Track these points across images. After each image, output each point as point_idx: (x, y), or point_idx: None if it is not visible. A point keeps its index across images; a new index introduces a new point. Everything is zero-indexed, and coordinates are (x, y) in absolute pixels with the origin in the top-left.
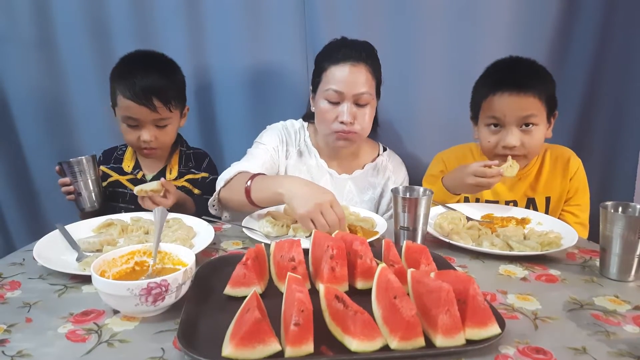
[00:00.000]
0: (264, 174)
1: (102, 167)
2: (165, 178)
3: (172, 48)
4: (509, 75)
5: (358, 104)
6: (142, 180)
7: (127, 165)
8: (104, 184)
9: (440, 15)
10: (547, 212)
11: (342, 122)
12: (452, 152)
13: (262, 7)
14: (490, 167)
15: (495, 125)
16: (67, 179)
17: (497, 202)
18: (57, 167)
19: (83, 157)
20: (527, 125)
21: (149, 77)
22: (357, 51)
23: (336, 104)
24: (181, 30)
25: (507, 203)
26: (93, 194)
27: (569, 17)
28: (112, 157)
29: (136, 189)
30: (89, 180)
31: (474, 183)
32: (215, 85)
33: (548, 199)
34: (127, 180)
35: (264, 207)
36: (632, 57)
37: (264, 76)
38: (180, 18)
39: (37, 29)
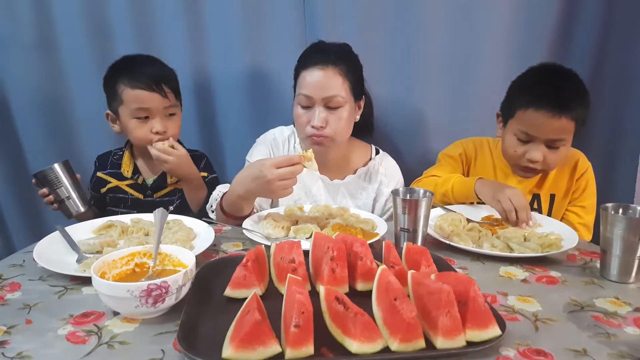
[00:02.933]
0: (225, 191)
1: (99, 174)
2: (166, 182)
3: (172, 49)
4: (554, 92)
5: (329, 107)
6: (143, 185)
7: (126, 170)
8: (103, 190)
9: (440, 17)
10: (550, 209)
11: (313, 127)
12: (470, 140)
13: (262, 9)
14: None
15: (523, 140)
16: (45, 190)
17: None
18: (33, 180)
19: (55, 164)
20: (555, 146)
21: (154, 66)
22: (326, 54)
23: (308, 108)
24: (181, 32)
25: None
26: (74, 198)
27: (569, 18)
28: (107, 162)
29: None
30: (68, 186)
31: (500, 209)
32: (215, 87)
33: (553, 196)
34: (128, 185)
35: (255, 212)
36: (632, 57)
37: (264, 77)
38: (181, 20)
39: (37, 30)
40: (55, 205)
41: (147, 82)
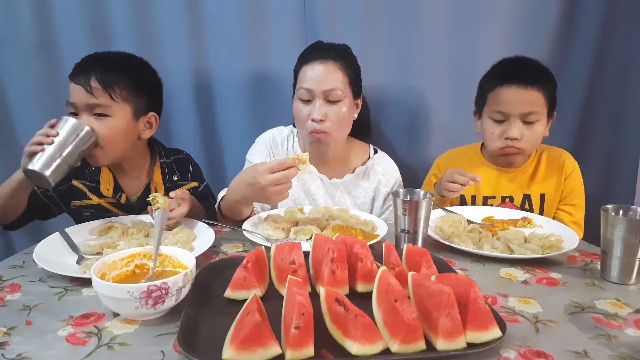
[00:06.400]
0: (223, 195)
1: (75, 182)
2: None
3: (172, 51)
4: (517, 69)
5: (329, 100)
6: (127, 205)
7: (106, 187)
8: (77, 203)
9: (440, 18)
10: (542, 209)
11: (313, 120)
12: (447, 154)
13: (263, 9)
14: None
15: (498, 119)
16: (53, 131)
17: (493, 197)
18: (54, 120)
19: (85, 126)
20: (529, 120)
21: (97, 59)
22: (326, 50)
23: (308, 102)
24: (182, 33)
25: (503, 198)
26: (59, 166)
27: (570, 19)
28: (85, 169)
29: (151, 197)
30: (70, 151)
31: (445, 188)
32: (215, 88)
33: (543, 196)
34: (110, 203)
35: (253, 214)
36: (633, 58)
37: (265, 78)
38: (181, 21)
39: (38, 31)
40: (39, 147)
41: (78, 74)
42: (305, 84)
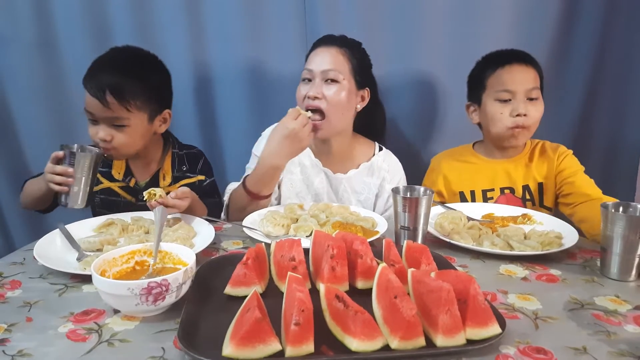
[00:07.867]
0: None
1: None
2: (158, 184)
3: (173, 47)
4: (513, 52)
5: (327, 81)
6: (135, 189)
7: (118, 171)
8: (96, 188)
9: (441, 15)
10: (541, 197)
11: (308, 97)
12: (442, 155)
13: (263, 6)
14: None
15: (505, 99)
16: (69, 170)
17: (492, 189)
18: (60, 152)
19: (94, 152)
20: (532, 96)
21: (110, 71)
22: (334, 39)
23: (309, 82)
24: (182, 30)
25: (502, 190)
26: (86, 194)
27: (570, 17)
28: None
29: (146, 192)
30: (90, 178)
31: None
32: (215, 84)
33: (541, 185)
34: (120, 187)
35: (270, 194)
36: (633, 57)
37: (265, 74)
38: (181, 17)
39: (38, 29)
40: (65, 188)
41: (92, 87)
42: (307, 65)
